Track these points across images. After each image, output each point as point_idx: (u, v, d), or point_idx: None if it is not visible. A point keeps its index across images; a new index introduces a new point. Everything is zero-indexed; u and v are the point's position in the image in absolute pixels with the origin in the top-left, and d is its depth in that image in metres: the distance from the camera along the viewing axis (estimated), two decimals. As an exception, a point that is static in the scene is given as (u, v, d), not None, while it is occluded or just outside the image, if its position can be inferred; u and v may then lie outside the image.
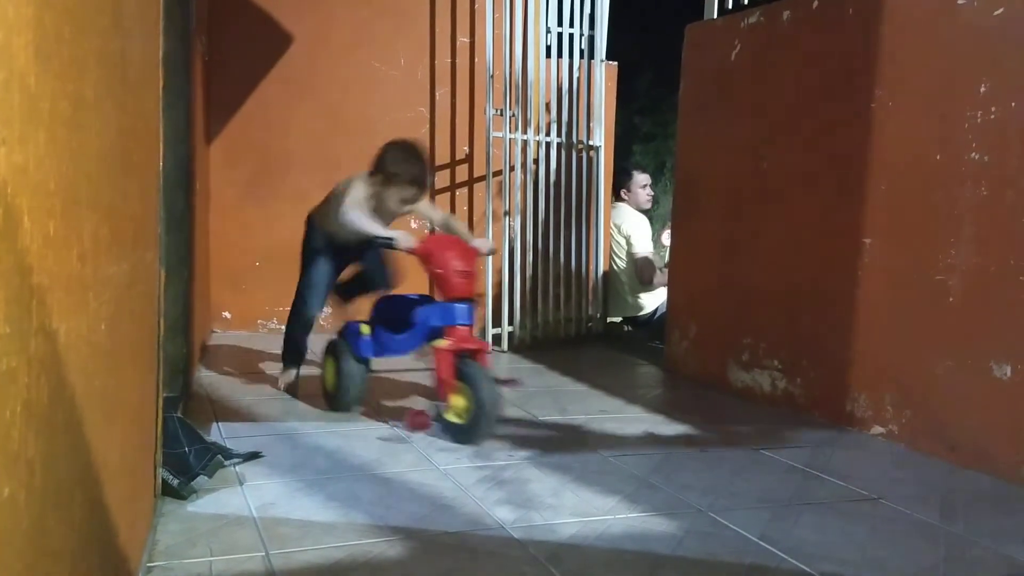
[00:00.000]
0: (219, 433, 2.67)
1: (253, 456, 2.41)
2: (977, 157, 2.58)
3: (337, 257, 3.18)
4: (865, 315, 2.96)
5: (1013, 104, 2.49)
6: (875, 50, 2.91)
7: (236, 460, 2.36)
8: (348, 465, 2.41)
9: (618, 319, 5.22)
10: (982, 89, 2.56)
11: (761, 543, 1.94)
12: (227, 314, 4.67)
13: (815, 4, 3.18)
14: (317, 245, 3.18)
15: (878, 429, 2.89)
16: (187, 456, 2.13)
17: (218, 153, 4.55)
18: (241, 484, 2.20)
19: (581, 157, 4.82)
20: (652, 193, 5.32)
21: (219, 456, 2.23)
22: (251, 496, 2.12)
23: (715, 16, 3.79)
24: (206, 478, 2.14)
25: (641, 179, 5.24)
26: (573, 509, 2.11)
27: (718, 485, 2.35)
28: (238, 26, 4.54)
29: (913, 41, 2.81)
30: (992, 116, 2.54)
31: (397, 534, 1.90)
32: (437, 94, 4.80)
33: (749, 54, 3.52)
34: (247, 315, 4.68)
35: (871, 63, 2.92)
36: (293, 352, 3.28)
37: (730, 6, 3.72)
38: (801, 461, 2.59)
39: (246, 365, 3.81)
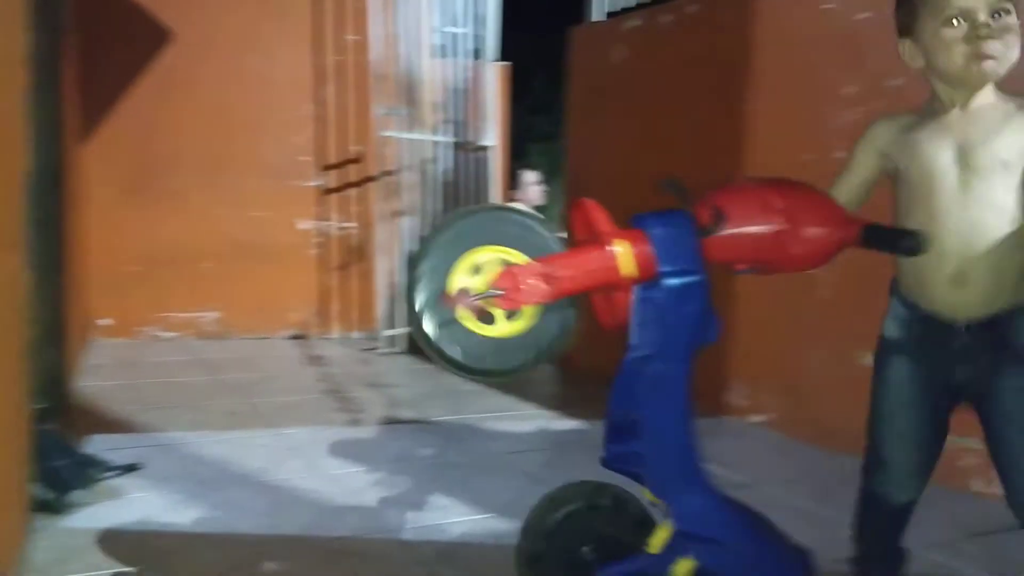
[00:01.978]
0: (97, 445, 2.56)
1: (132, 468, 2.32)
2: (843, 156, 2.71)
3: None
4: (744, 309, 3.08)
5: (875, 104, 2.63)
6: (747, 54, 3.03)
7: (114, 472, 2.27)
8: (232, 474, 2.35)
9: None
10: (847, 90, 2.70)
11: (646, 532, 1.99)
12: (107, 321, 4.48)
13: (692, 9, 3.28)
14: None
15: (756, 418, 3.01)
16: (61, 470, 2.04)
17: (94, 153, 4.35)
18: (119, 497, 2.12)
19: (473, 157, 4.83)
20: (545, 188, 5.39)
21: (95, 469, 2.15)
22: (129, 509, 2.05)
23: (599, 19, 3.87)
24: (82, 492, 2.05)
25: (529, 177, 5.31)
26: (464, 508, 2.12)
27: (608, 477, 2.40)
28: (115, 23, 4.36)
29: (782, 45, 2.94)
30: (857, 116, 2.68)
31: (283, 543, 1.87)
32: (325, 92, 4.73)
33: (631, 56, 3.60)
34: (128, 322, 4.49)
35: (743, 66, 3.04)
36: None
37: (609, 9, 3.80)
38: (685, 451, 2.67)
39: (126, 374, 3.66)
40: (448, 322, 1.35)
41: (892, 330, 1.48)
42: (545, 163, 11.06)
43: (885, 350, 1.49)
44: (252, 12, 4.60)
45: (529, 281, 1.29)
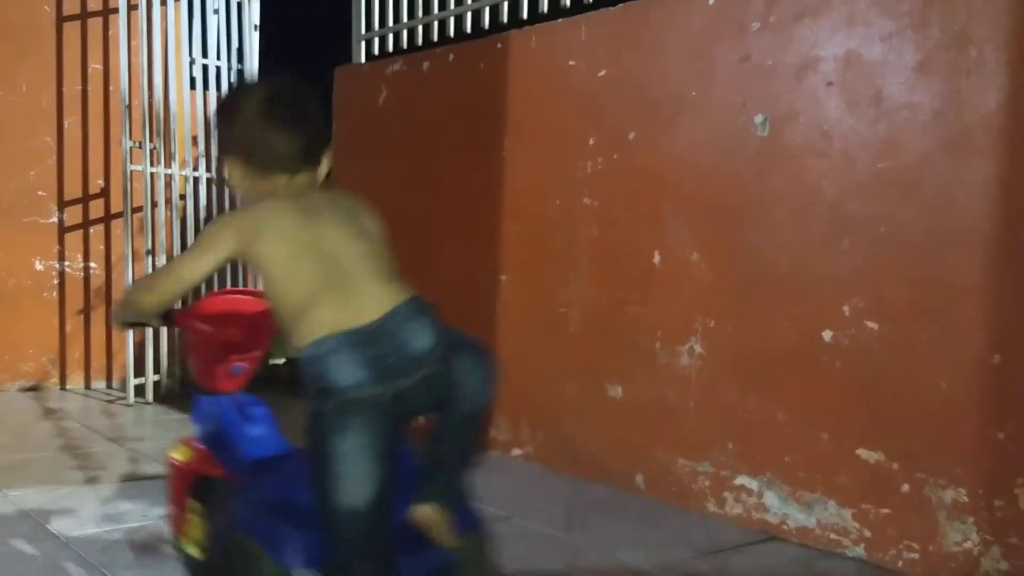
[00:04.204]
0: None
1: None
2: (588, 202, 2.90)
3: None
4: (504, 345, 3.18)
5: (615, 155, 2.83)
6: (503, 104, 3.17)
7: None
8: (-61, 547, 2.08)
9: (280, 361, 5.09)
10: (590, 142, 2.89)
11: (401, 575, 1.98)
12: None
13: (451, 57, 3.39)
14: None
15: (517, 451, 3.11)
16: None
17: None
18: None
19: (233, 193, 4.66)
20: None
21: None
22: None
23: (363, 60, 3.89)
24: None
25: None
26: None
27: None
28: None
29: (533, 97, 3.10)
30: (599, 166, 2.87)
31: (-6, 620, 1.68)
32: (66, 123, 4.38)
33: (395, 100, 3.65)
34: None
35: (500, 115, 3.17)
36: None
37: (376, 50, 3.84)
38: (445, 490, 2.70)
39: None
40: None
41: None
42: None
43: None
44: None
45: None
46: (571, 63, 2.95)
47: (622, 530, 2.39)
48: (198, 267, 1.38)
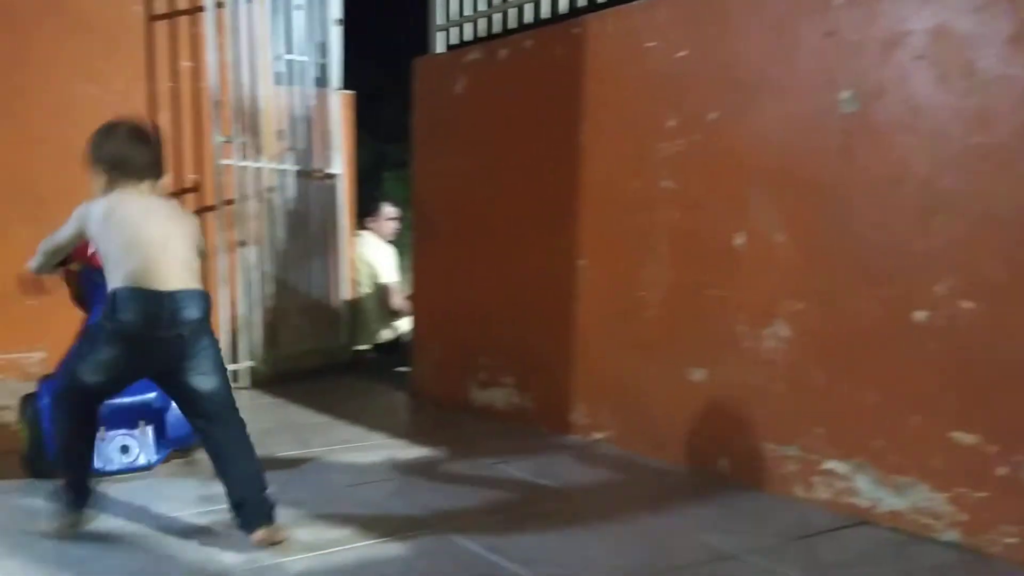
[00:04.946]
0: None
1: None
2: (668, 185, 2.88)
3: None
4: (582, 330, 3.19)
5: (695, 137, 2.80)
6: (580, 89, 3.16)
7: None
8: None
9: (365, 347, 5.22)
10: (670, 124, 2.86)
11: (489, 555, 2.02)
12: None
13: (527, 44, 3.40)
14: None
15: (598, 435, 3.12)
16: None
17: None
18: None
19: (319, 185, 4.78)
20: (398, 227, 5.40)
21: None
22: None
23: (440, 50, 3.93)
24: None
25: (389, 211, 5.32)
26: (305, 544, 2.08)
27: (453, 503, 2.43)
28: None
29: (610, 81, 3.09)
30: (679, 148, 2.84)
31: (108, 593, 1.78)
32: (159, 120, 4.56)
33: (472, 88, 3.68)
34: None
35: (577, 100, 3.17)
36: None
37: (453, 40, 3.87)
38: (529, 472, 2.74)
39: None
40: None
41: None
42: (400, 190, 11.05)
43: None
44: (82, 40, 4.39)
45: None
46: (649, 45, 2.93)
47: (707, 514, 2.38)
48: (61, 234, 2.21)
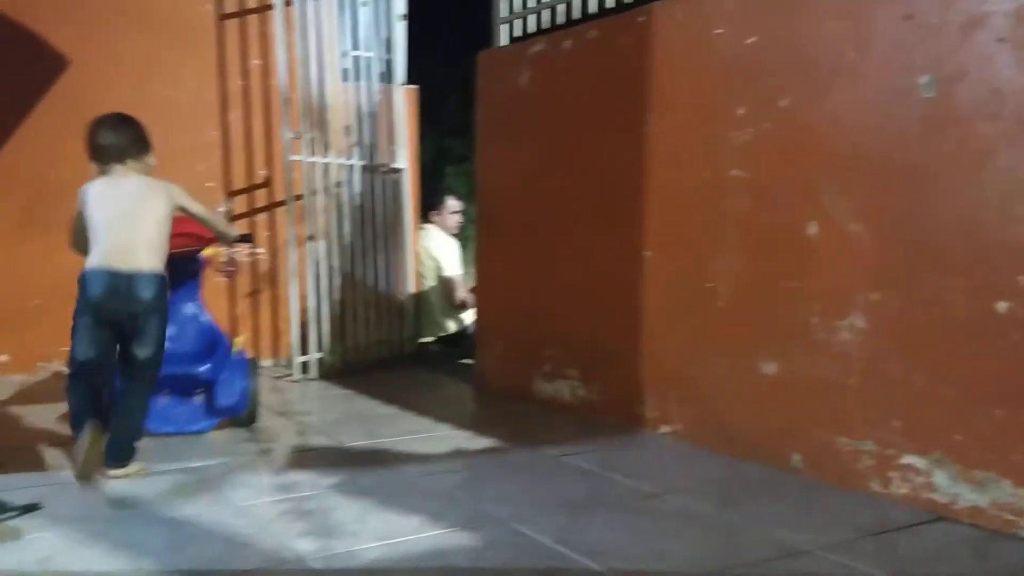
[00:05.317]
0: (-9, 487, 2.47)
1: (30, 508, 2.24)
2: (737, 174, 2.83)
3: None
4: (649, 323, 3.16)
5: (766, 124, 2.75)
6: (646, 78, 3.13)
7: (11, 514, 2.19)
8: (136, 510, 2.29)
9: (430, 339, 5.26)
10: (740, 111, 2.81)
11: (556, 546, 2.02)
12: (3, 357, 4.30)
13: (592, 34, 3.37)
14: None
15: (665, 428, 3.09)
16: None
17: (-12, 184, 4.20)
18: (18, 539, 2.05)
19: (385, 180, 4.83)
20: (462, 220, 5.43)
21: (-11, 512, 2.06)
22: (29, 551, 1.97)
23: (504, 43, 3.93)
24: (-26, 537, 1.97)
25: (453, 204, 5.35)
26: (376, 533, 2.11)
27: (520, 494, 2.43)
28: (6, 50, 4.22)
29: (678, 70, 3.05)
30: (749, 136, 2.79)
31: (189, 577, 1.83)
32: (230, 117, 4.67)
33: (537, 80, 3.67)
34: (26, 357, 4.32)
35: (644, 90, 3.14)
36: None
37: (517, 32, 3.87)
38: (596, 464, 2.73)
39: (24, 410, 3.52)
40: None
41: None
42: (462, 184, 11.11)
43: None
44: (155, 37, 4.51)
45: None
46: (717, 31, 2.88)
47: (779, 510, 2.34)
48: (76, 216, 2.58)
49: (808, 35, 2.62)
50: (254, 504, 2.33)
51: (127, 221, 2.49)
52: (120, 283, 2.43)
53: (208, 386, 3.07)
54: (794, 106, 2.67)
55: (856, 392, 2.49)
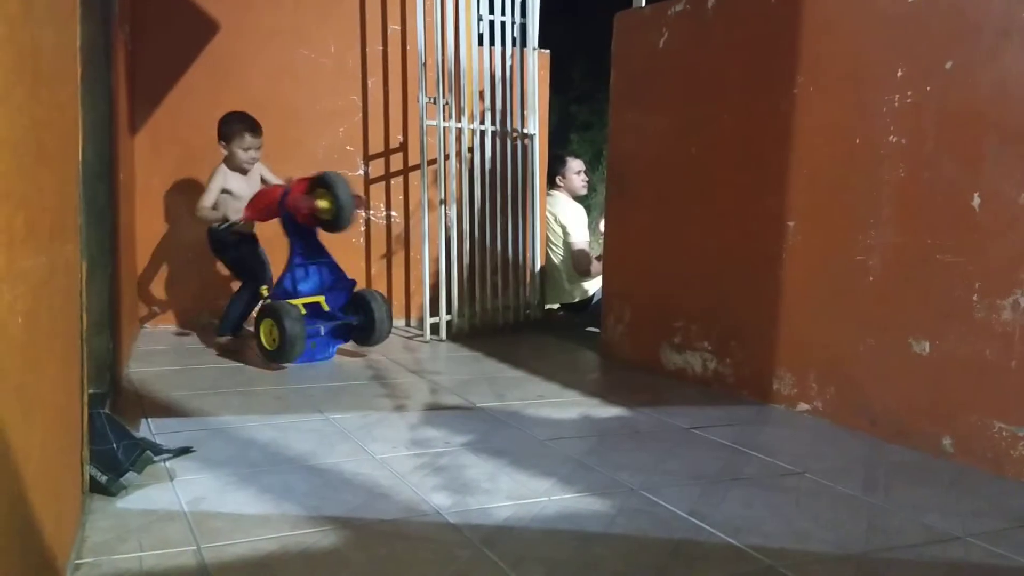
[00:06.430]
0: (149, 428, 2.63)
1: (184, 451, 2.38)
2: (895, 140, 2.67)
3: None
4: (789, 296, 3.05)
5: (928, 88, 2.58)
6: (796, 38, 2.98)
7: (166, 455, 2.32)
8: (282, 457, 2.39)
9: (555, 306, 5.26)
10: (898, 74, 2.65)
11: (690, 518, 1.99)
12: (156, 308, 4.58)
13: (739, -8, 3.24)
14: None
15: (803, 406, 2.98)
16: (115, 452, 2.09)
17: (144, 144, 4.45)
18: (171, 479, 2.17)
19: (516, 145, 4.83)
20: (587, 179, 5.38)
21: (148, 452, 2.19)
22: (182, 491, 2.09)
23: (643, 4, 3.83)
24: (135, 474, 2.10)
25: (575, 165, 5.29)
26: (509, 492, 2.13)
27: (650, 464, 2.40)
28: (163, 14, 4.44)
29: (832, 29, 2.89)
30: (908, 100, 2.63)
31: (331, 524, 1.90)
32: (369, 82, 4.77)
33: (676, 42, 3.57)
34: (178, 309, 4.59)
35: (792, 51, 3.00)
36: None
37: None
38: (729, 438, 2.66)
39: (177, 360, 3.74)
40: None
41: None
42: (587, 152, 11.03)
43: None
44: (300, 4, 4.64)
45: None
46: (877, -11, 2.71)
47: (929, 495, 2.22)
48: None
49: (980, -9, 2.43)
50: (392, 457, 2.40)
51: None
52: None
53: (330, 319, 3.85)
54: (959, 68, 2.49)
55: (1017, 375, 2.32)
